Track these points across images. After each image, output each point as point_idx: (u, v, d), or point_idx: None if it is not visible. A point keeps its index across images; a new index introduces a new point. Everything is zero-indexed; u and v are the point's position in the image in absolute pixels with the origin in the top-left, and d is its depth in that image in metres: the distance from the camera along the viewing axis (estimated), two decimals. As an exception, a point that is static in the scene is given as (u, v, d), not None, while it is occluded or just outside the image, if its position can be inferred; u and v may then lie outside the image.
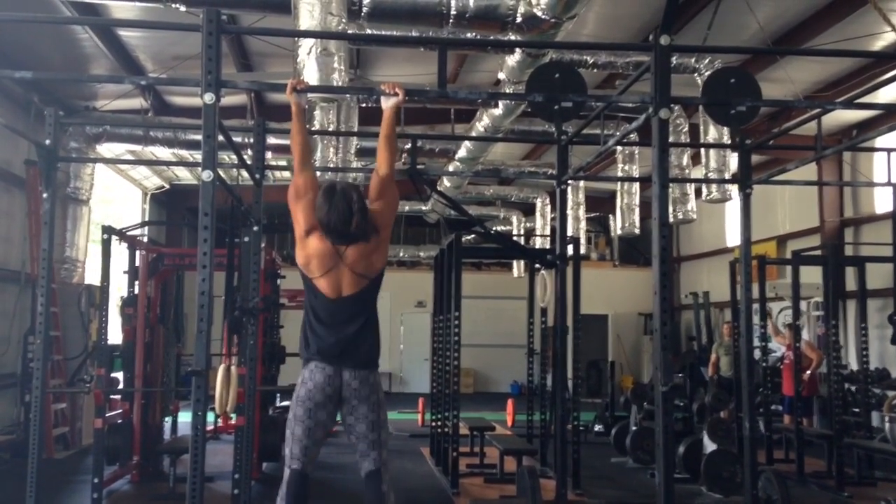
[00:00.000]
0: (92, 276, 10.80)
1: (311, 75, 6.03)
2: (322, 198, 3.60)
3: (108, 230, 6.92)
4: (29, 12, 7.19)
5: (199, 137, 3.74)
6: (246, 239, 5.58)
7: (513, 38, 7.08)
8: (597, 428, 11.30)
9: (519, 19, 6.84)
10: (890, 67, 9.05)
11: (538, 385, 9.64)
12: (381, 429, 3.66)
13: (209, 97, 3.62)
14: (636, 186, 12.77)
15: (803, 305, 11.51)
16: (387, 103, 3.94)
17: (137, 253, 7.58)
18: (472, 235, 15.03)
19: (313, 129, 8.69)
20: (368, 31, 7.36)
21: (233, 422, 6.47)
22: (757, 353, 8.57)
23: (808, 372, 9.64)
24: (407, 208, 17.16)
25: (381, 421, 3.67)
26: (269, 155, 10.49)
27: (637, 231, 12.80)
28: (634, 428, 9.05)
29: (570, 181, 6.44)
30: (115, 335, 8.02)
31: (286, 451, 3.64)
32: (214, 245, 3.55)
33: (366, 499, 3.64)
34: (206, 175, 3.57)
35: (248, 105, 11.34)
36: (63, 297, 9.77)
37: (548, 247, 11.95)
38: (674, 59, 8.30)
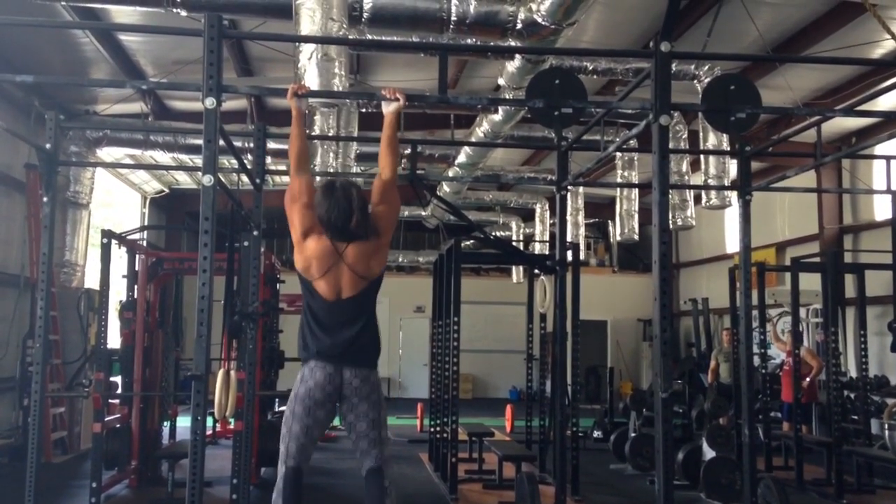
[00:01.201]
0: (91, 280, 10.79)
1: (311, 80, 6.04)
2: (322, 194, 3.60)
3: (107, 234, 6.92)
4: (30, 16, 7.21)
5: (199, 142, 3.75)
6: (245, 243, 5.58)
7: (513, 44, 7.09)
8: (596, 434, 11.29)
9: (519, 25, 6.86)
10: (889, 75, 9.07)
11: (537, 391, 9.64)
12: (382, 427, 3.67)
13: (210, 102, 3.63)
14: (635, 192, 12.78)
15: (802, 312, 11.51)
16: (387, 108, 3.95)
17: (137, 257, 7.58)
18: (472, 241, 15.11)
19: (314, 133, 8.71)
20: (369, 37, 7.36)
21: (231, 426, 6.46)
22: (756, 360, 8.56)
23: (808, 379, 9.63)
24: (406, 213, 17.16)
25: (382, 419, 3.67)
26: (269, 160, 10.46)
27: (636, 237, 12.81)
28: (633, 434, 9.04)
29: (569, 187, 6.44)
30: (114, 339, 8.01)
31: (282, 447, 3.63)
32: (214, 249, 3.56)
33: (367, 495, 3.65)
34: (207, 179, 3.58)
35: (249, 110, 11.35)
36: (62, 300, 9.77)
37: (547, 252, 11.96)
38: (674, 66, 8.28)
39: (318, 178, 6.45)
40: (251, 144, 7.82)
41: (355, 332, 3.63)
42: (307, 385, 3.59)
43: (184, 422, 8.12)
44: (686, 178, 10.56)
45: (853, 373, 11.24)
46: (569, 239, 10.12)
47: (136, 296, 7.46)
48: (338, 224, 3.56)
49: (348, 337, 3.61)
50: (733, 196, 9.45)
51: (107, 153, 11.57)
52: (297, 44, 6.27)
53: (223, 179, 4.60)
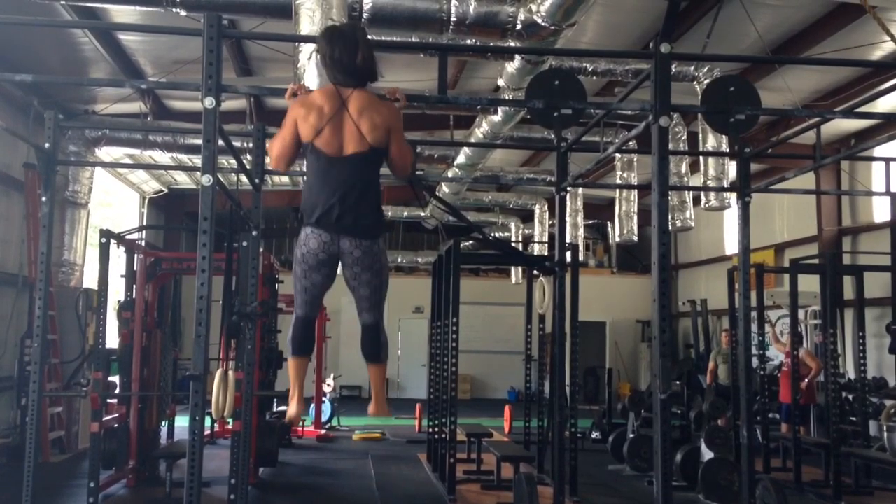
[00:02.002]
0: (90, 280, 10.79)
1: (311, 80, 6.03)
2: (323, 38, 3.59)
3: (106, 234, 6.92)
4: (29, 15, 7.20)
5: (198, 142, 3.75)
6: (244, 244, 5.58)
7: (513, 44, 7.09)
8: (594, 435, 11.29)
9: (519, 26, 6.86)
10: (888, 77, 9.07)
11: (536, 392, 9.64)
12: (382, 288, 3.73)
13: (209, 101, 3.62)
14: (635, 194, 12.79)
15: (801, 314, 11.51)
16: (387, 108, 3.93)
17: (135, 257, 7.58)
18: (471, 241, 15.12)
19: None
20: (369, 37, 7.36)
21: (230, 426, 6.45)
22: (755, 361, 8.57)
23: (806, 380, 9.64)
24: (405, 214, 17.17)
25: (383, 282, 3.73)
26: (268, 160, 10.48)
27: (635, 238, 12.81)
28: (632, 435, 9.04)
29: (568, 188, 6.44)
30: (112, 339, 8.01)
31: (295, 298, 3.77)
32: (213, 249, 3.55)
33: (363, 345, 3.78)
34: (206, 179, 3.57)
35: (248, 110, 11.34)
36: (61, 300, 9.76)
37: (546, 253, 11.96)
38: (673, 67, 8.30)
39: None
40: (250, 144, 7.81)
41: (354, 198, 3.52)
42: (302, 251, 3.62)
43: (182, 422, 8.14)
44: (685, 179, 10.57)
45: (851, 374, 11.25)
46: (568, 240, 10.12)
47: (134, 295, 7.46)
48: (343, 59, 3.50)
49: (347, 204, 3.51)
50: (732, 197, 9.45)
51: (106, 153, 11.56)
52: (296, 44, 6.27)
53: (222, 179, 4.60)
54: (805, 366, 9.61)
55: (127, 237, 7.44)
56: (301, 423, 10.75)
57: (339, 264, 3.66)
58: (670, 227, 10.56)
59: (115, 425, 7.38)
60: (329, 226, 3.54)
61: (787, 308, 9.46)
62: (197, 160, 9.50)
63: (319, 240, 3.56)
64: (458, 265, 7.80)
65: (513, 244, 16.23)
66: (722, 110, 4.73)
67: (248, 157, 8.38)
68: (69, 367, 9.65)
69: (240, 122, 11.23)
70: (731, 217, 14.76)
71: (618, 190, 12.97)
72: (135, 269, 7.53)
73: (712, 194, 9.78)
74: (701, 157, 10.05)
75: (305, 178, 3.71)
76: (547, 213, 15.90)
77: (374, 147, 3.55)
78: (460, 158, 11.85)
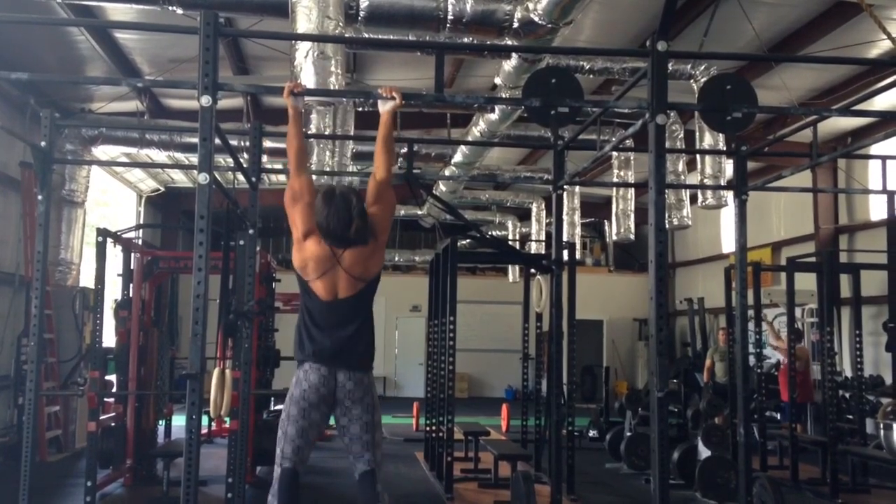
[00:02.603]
0: (86, 279, 10.78)
1: (308, 79, 6.03)
2: (321, 201, 3.60)
3: (102, 233, 6.91)
4: (25, 13, 7.19)
5: (195, 140, 3.75)
6: (241, 242, 5.58)
7: (510, 42, 7.09)
8: (591, 433, 11.29)
9: (516, 24, 6.86)
10: (885, 75, 9.09)
11: (533, 390, 9.64)
12: (375, 430, 3.66)
13: (206, 100, 3.62)
14: (632, 192, 12.79)
15: (798, 312, 11.53)
16: (384, 107, 3.95)
17: (132, 256, 7.57)
18: (468, 240, 15.11)
19: (310, 132, 8.69)
20: (365, 35, 7.36)
21: (227, 425, 6.45)
22: (752, 360, 8.57)
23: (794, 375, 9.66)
24: (402, 212, 17.16)
25: (375, 422, 3.67)
26: (265, 158, 10.46)
27: (632, 237, 12.82)
28: (629, 434, 9.05)
29: (565, 186, 6.44)
30: (109, 338, 8.00)
31: (278, 450, 3.64)
32: (210, 248, 3.55)
33: (360, 499, 3.64)
34: (203, 178, 3.57)
35: (245, 108, 11.33)
36: (57, 299, 9.75)
37: (543, 252, 11.96)
38: (670, 66, 8.31)
39: (314, 177, 6.43)
40: (247, 143, 7.80)
41: (350, 333, 3.63)
42: (302, 387, 3.60)
43: (179, 420, 8.13)
44: (682, 177, 10.57)
45: (848, 372, 11.26)
46: (565, 238, 10.14)
47: (131, 294, 7.45)
48: (336, 231, 3.56)
49: (343, 338, 3.61)
50: (729, 196, 9.46)
51: (102, 151, 11.54)
52: (293, 42, 6.27)
53: (219, 178, 4.61)
54: (801, 361, 9.62)
55: (124, 236, 7.43)
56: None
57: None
58: (667, 226, 10.54)
59: (112, 424, 7.37)
60: (327, 360, 3.61)
61: (784, 306, 9.46)
62: (194, 159, 9.47)
63: (319, 374, 3.60)
64: (456, 264, 7.79)
65: (510, 243, 16.21)
66: (719, 108, 4.73)
67: (245, 155, 8.37)
68: (66, 366, 9.64)
69: (237, 120, 11.22)
70: (728, 215, 14.76)
71: (615, 188, 12.98)
72: (132, 267, 7.52)
73: (709, 192, 9.79)
74: (698, 156, 10.07)
75: (299, 314, 3.75)
76: (544, 211, 15.90)
77: (368, 281, 3.70)
78: (457, 157, 11.85)
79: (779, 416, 11.27)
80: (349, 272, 3.63)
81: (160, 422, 8.52)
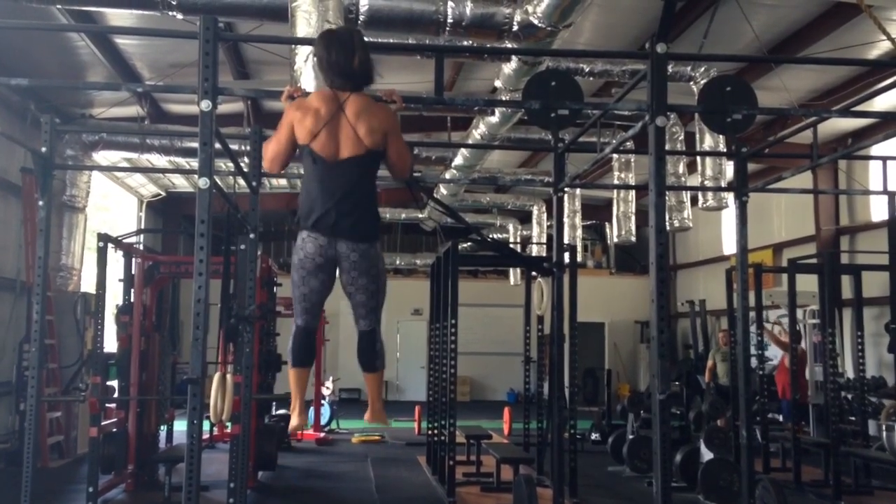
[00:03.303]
0: (88, 284, 10.78)
1: (308, 83, 6.03)
2: (320, 42, 3.60)
3: (103, 238, 6.91)
4: (25, 19, 7.19)
5: (195, 145, 3.75)
6: (242, 247, 5.58)
7: (509, 45, 7.09)
8: (594, 436, 11.28)
9: (515, 27, 6.86)
10: (885, 76, 9.08)
11: (535, 393, 9.63)
12: (379, 295, 3.71)
13: (206, 104, 3.62)
14: (632, 194, 12.79)
15: (799, 313, 11.52)
16: (384, 110, 3.94)
17: (133, 261, 7.57)
18: (469, 243, 15.10)
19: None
20: (365, 40, 7.36)
21: (228, 430, 6.44)
22: (753, 361, 8.57)
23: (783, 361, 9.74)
24: (403, 216, 17.17)
25: (380, 288, 3.71)
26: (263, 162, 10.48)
27: (633, 239, 12.81)
28: (631, 436, 9.04)
29: (566, 189, 6.44)
30: (110, 343, 8.00)
31: (294, 307, 3.75)
32: (211, 253, 3.55)
33: (360, 350, 3.75)
34: (203, 182, 3.57)
35: (245, 112, 11.34)
36: (59, 305, 9.75)
37: (544, 254, 11.96)
38: (670, 68, 8.31)
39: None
40: (247, 147, 7.80)
41: (351, 202, 3.54)
42: (299, 256, 3.61)
43: (181, 425, 8.11)
44: (683, 179, 10.57)
45: (850, 374, 11.25)
46: (566, 241, 10.14)
47: (132, 299, 7.45)
48: (340, 63, 3.52)
49: (343, 208, 3.53)
50: (730, 197, 9.45)
51: (103, 157, 11.56)
52: (292, 46, 6.26)
53: (219, 182, 4.60)
54: (801, 361, 9.68)
55: (125, 241, 7.43)
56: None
57: (337, 270, 3.65)
58: (668, 228, 10.61)
59: (114, 430, 7.36)
60: (326, 229, 3.54)
61: (785, 308, 9.46)
62: (194, 163, 9.46)
63: (316, 243, 3.56)
64: (457, 267, 7.79)
65: (511, 245, 16.23)
66: (719, 110, 4.73)
67: (246, 159, 8.37)
68: (67, 371, 9.64)
69: (237, 124, 11.23)
70: (729, 217, 14.75)
71: (615, 190, 12.97)
72: (133, 272, 7.53)
73: (710, 194, 9.79)
74: (698, 157, 10.06)
75: (302, 182, 3.71)
76: (545, 214, 15.90)
77: (371, 150, 3.56)
78: (458, 160, 11.86)
79: (780, 418, 11.25)
80: (353, 124, 3.51)
81: (162, 427, 8.51)
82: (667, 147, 4.78)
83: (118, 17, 8.20)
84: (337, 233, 3.55)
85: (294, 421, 3.82)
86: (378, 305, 3.74)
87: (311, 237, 3.57)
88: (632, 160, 11.98)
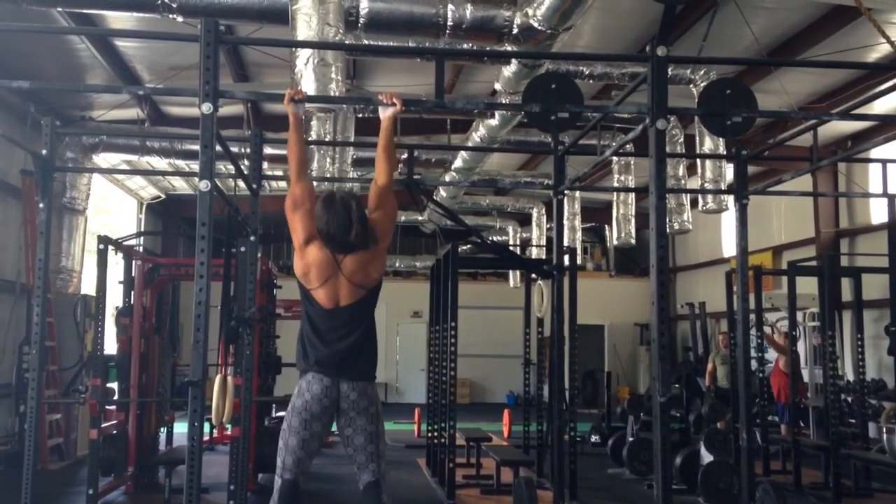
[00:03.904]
0: (88, 287, 10.77)
1: (308, 85, 6.04)
2: (321, 207, 3.60)
3: (103, 240, 6.91)
4: (26, 22, 7.20)
5: (196, 147, 3.75)
6: (242, 249, 5.58)
7: (509, 48, 7.10)
8: (593, 439, 11.28)
9: (515, 30, 6.86)
10: (885, 79, 9.09)
11: (535, 395, 9.63)
12: (379, 440, 3.66)
13: (207, 107, 3.63)
14: (632, 197, 12.79)
15: (799, 316, 11.52)
16: (384, 113, 3.96)
17: (133, 263, 7.57)
18: (469, 245, 15.10)
19: (310, 139, 8.71)
20: (365, 42, 7.37)
21: (228, 432, 6.44)
22: (753, 364, 8.57)
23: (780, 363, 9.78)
24: (403, 218, 17.15)
25: (379, 432, 3.66)
26: (265, 165, 10.48)
27: (633, 241, 12.81)
28: (631, 439, 9.03)
29: (566, 191, 6.45)
30: (110, 345, 7.99)
31: (279, 460, 3.62)
32: (211, 255, 3.55)
33: None
34: (204, 185, 3.57)
35: (246, 115, 11.34)
36: (59, 307, 9.74)
37: (544, 257, 11.96)
38: (670, 70, 8.30)
39: (314, 183, 6.43)
40: (248, 150, 7.81)
41: (353, 342, 3.62)
42: (304, 398, 3.58)
43: (181, 428, 8.12)
44: (683, 182, 10.58)
45: (850, 376, 11.25)
46: (566, 243, 10.14)
47: (132, 302, 7.45)
48: (337, 236, 3.56)
49: (346, 347, 3.60)
50: (730, 200, 9.45)
51: (103, 159, 11.56)
52: (293, 49, 6.27)
53: (220, 185, 4.61)
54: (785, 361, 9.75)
55: (125, 243, 7.43)
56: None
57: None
58: (668, 230, 10.59)
59: (114, 432, 7.36)
60: (330, 369, 3.59)
61: (785, 310, 9.46)
62: (195, 166, 9.47)
63: (322, 384, 3.58)
64: (457, 269, 7.79)
65: (511, 248, 16.22)
66: (719, 113, 4.74)
67: (246, 162, 8.38)
68: (67, 373, 9.64)
69: (238, 127, 11.24)
70: (729, 219, 14.77)
71: (615, 193, 12.97)
72: (133, 275, 7.52)
73: (710, 197, 9.79)
74: (698, 160, 10.06)
75: (301, 323, 3.74)
76: (545, 216, 15.90)
77: (369, 289, 3.69)
78: (458, 162, 11.86)
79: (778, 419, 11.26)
80: (350, 279, 3.62)
81: (162, 429, 8.51)
82: (667, 149, 4.77)
83: (118, 19, 8.20)
84: (340, 373, 3.59)
85: None
86: (379, 452, 3.65)
87: (316, 378, 3.59)
88: (632, 163, 11.98)
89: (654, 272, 3.78)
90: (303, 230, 3.66)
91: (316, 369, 3.59)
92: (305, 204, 3.69)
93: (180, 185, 15.69)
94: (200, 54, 3.67)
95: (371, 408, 3.63)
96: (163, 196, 15.99)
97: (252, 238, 5.50)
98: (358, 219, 3.57)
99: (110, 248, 6.97)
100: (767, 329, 10.48)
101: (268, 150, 9.95)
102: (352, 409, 3.59)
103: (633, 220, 12.70)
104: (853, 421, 9.67)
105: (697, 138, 9.83)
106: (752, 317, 8.41)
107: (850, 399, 10.18)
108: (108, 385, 7.78)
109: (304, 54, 6.10)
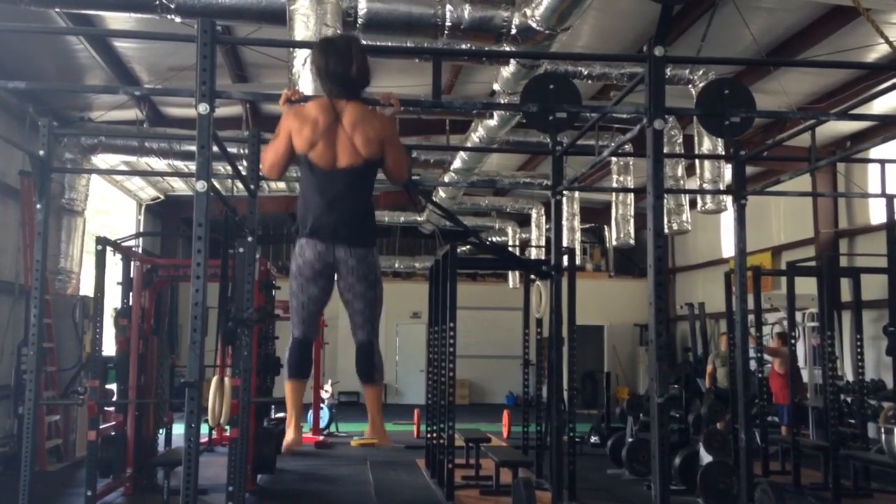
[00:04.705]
0: (86, 288, 10.76)
1: (306, 86, 6.03)
2: (319, 48, 3.64)
3: (102, 241, 6.91)
4: (24, 23, 7.19)
5: (193, 148, 3.74)
6: (240, 250, 5.57)
7: (507, 49, 7.10)
8: (593, 439, 11.27)
9: (514, 31, 6.86)
10: (883, 79, 9.08)
11: (534, 396, 9.63)
12: (376, 305, 3.74)
13: (203, 107, 3.62)
14: (631, 197, 12.79)
15: (798, 316, 11.52)
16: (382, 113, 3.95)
17: (132, 264, 7.56)
18: (468, 246, 15.10)
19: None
20: (363, 42, 7.36)
21: (227, 434, 6.44)
22: (752, 364, 8.56)
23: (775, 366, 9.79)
24: (402, 219, 17.16)
25: (377, 298, 3.73)
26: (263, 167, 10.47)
27: (632, 242, 12.82)
28: (630, 439, 9.03)
29: (564, 192, 6.44)
30: (109, 346, 7.98)
31: (291, 319, 3.76)
32: (209, 256, 3.54)
33: (358, 362, 3.74)
34: (201, 186, 3.57)
35: (244, 116, 11.34)
36: (57, 308, 9.74)
37: (543, 257, 11.96)
38: (668, 71, 8.32)
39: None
40: (246, 150, 7.80)
41: (348, 208, 3.59)
42: (297, 263, 3.63)
43: (179, 429, 8.10)
44: (681, 182, 10.57)
45: (850, 377, 11.25)
46: (564, 244, 10.12)
47: (131, 303, 7.44)
48: (337, 71, 3.55)
49: (341, 214, 3.57)
50: (728, 200, 9.45)
51: (101, 160, 11.55)
52: (291, 49, 6.27)
53: (218, 185, 4.60)
54: (784, 363, 9.74)
55: (123, 244, 7.43)
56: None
57: (335, 276, 3.67)
58: (667, 231, 10.59)
59: (113, 433, 7.36)
60: (324, 236, 3.58)
61: (784, 311, 9.46)
62: (192, 166, 9.50)
63: (315, 250, 3.59)
64: (455, 270, 7.78)
65: (510, 248, 16.22)
66: (717, 113, 4.73)
67: (244, 162, 8.37)
68: (66, 375, 9.63)
69: (235, 128, 11.23)
70: (728, 220, 14.74)
71: (614, 193, 12.98)
72: (131, 276, 7.52)
73: (708, 197, 9.79)
74: (697, 160, 10.07)
75: (300, 190, 3.74)
76: (543, 217, 15.89)
77: (367, 160, 3.61)
78: (456, 163, 11.86)
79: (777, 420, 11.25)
80: (350, 135, 3.55)
81: (160, 430, 8.50)
82: (665, 150, 4.78)
83: (116, 20, 8.19)
84: (335, 239, 3.58)
85: (289, 436, 3.78)
86: (375, 316, 3.74)
87: (309, 243, 3.60)
88: (630, 163, 11.99)
89: (652, 272, 3.78)
90: (295, 145, 3.58)
91: (310, 235, 3.60)
92: (283, 161, 3.65)
93: (179, 186, 15.69)
94: (198, 55, 3.67)
95: (370, 275, 3.66)
96: (162, 197, 15.98)
97: (250, 239, 5.49)
98: (358, 53, 3.59)
99: (109, 249, 6.96)
100: (766, 339, 10.49)
101: (266, 151, 9.93)
102: (350, 274, 3.62)
103: (632, 221, 12.70)
104: (852, 421, 9.67)
105: (696, 139, 9.83)
106: (752, 317, 8.41)
107: (849, 399, 10.18)
108: (107, 386, 7.78)
109: (301, 54, 6.10)
